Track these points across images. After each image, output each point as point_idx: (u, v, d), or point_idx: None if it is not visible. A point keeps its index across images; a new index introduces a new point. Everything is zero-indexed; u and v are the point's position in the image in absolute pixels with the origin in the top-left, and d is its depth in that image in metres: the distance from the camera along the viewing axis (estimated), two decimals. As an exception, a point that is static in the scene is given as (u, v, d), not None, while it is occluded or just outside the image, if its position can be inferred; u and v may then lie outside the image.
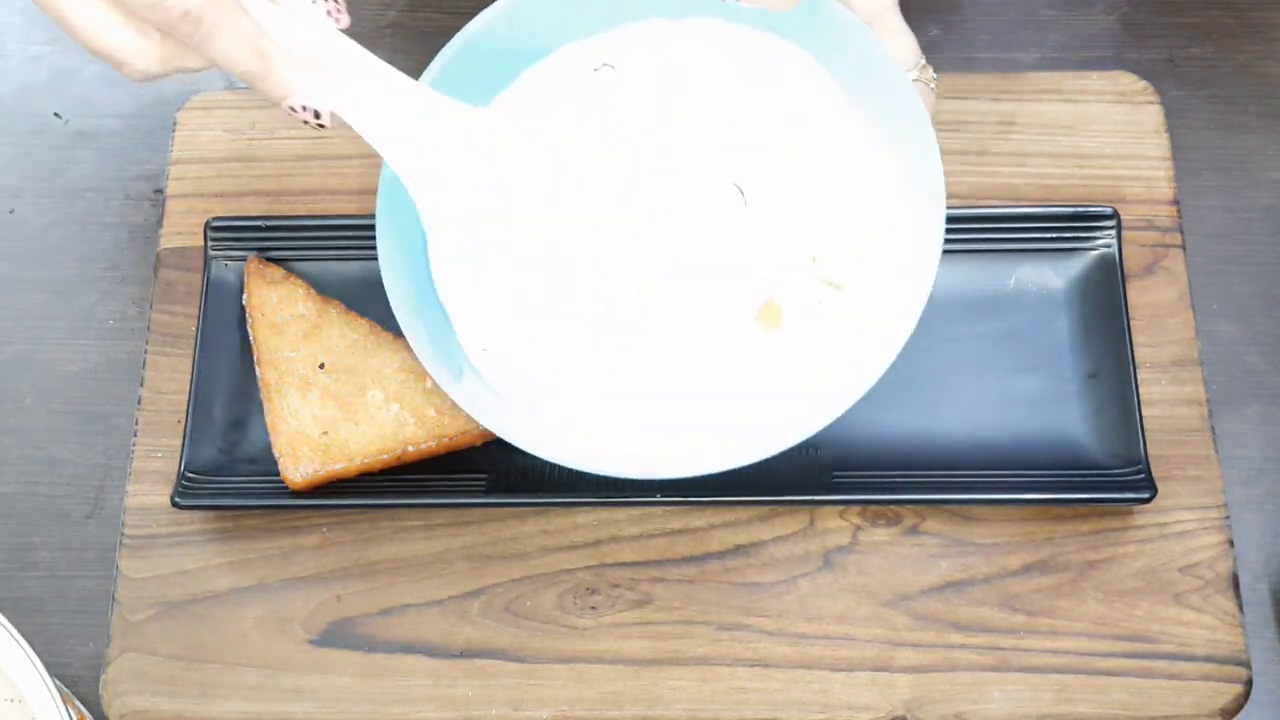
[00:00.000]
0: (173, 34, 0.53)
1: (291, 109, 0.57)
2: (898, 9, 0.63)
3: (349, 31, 0.58)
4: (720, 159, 0.64)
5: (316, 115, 0.57)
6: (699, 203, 0.63)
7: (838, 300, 0.63)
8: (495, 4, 0.65)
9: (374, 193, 0.76)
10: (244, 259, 0.73)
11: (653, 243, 0.63)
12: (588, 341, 0.63)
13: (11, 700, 0.56)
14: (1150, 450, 0.68)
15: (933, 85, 0.64)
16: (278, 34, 0.56)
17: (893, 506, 0.69)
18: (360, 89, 0.58)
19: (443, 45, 0.87)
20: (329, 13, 0.57)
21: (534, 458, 0.69)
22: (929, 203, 0.62)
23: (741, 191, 0.63)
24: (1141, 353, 0.71)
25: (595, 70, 0.64)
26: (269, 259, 0.73)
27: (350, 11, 0.87)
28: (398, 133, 0.59)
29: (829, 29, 0.63)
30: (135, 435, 0.72)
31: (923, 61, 0.64)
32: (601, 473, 0.62)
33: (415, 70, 0.84)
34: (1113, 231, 0.72)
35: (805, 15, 0.62)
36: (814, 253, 0.63)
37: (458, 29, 0.85)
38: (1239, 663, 0.66)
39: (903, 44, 0.63)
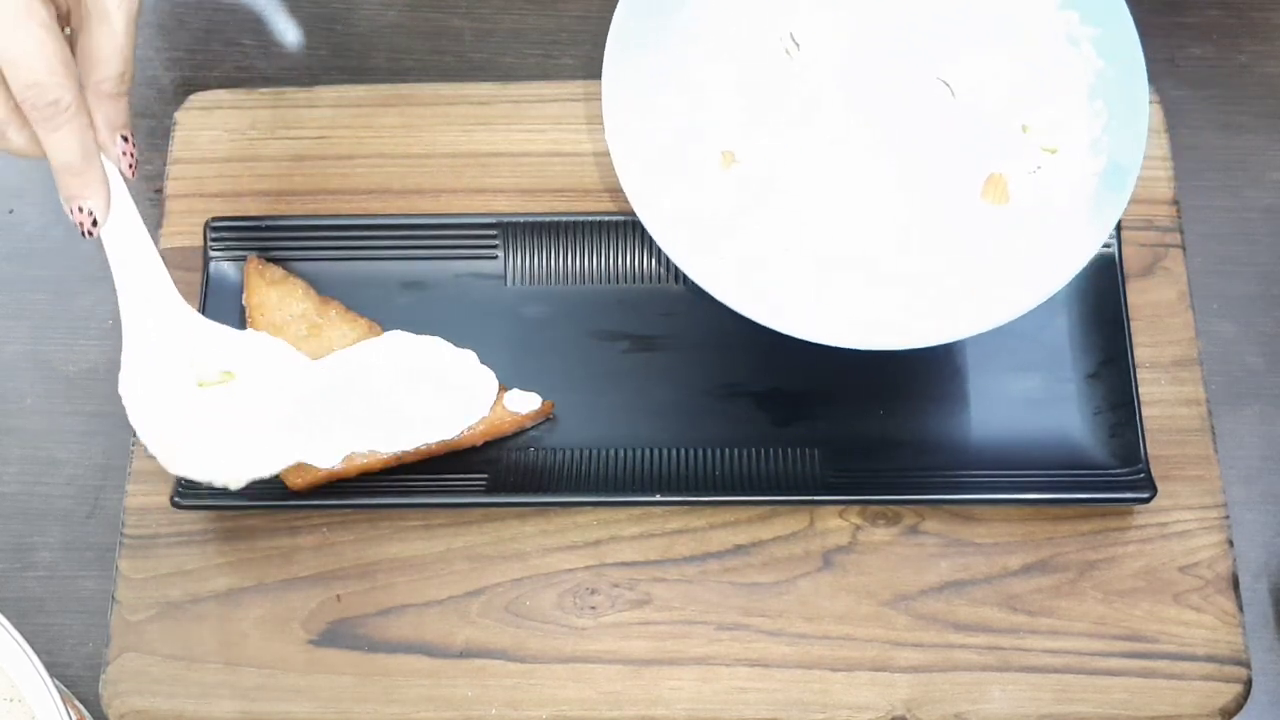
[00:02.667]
0: (30, 112, 0.59)
1: (79, 209, 0.63)
2: None
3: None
4: (926, 54, 0.68)
5: (95, 224, 0.63)
6: (912, 100, 0.67)
7: (1055, 164, 0.66)
8: None
9: (374, 193, 0.76)
10: (244, 259, 0.73)
11: (878, 141, 0.67)
12: (824, 241, 0.66)
13: (11, 700, 0.56)
14: (1150, 450, 0.68)
15: None
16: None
17: (892, 506, 0.69)
18: (117, 230, 0.64)
19: (443, 45, 0.87)
20: (124, 154, 0.63)
21: (532, 457, 0.70)
22: (1128, 62, 0.66)
23: (949, 85, 0.67)
24: (1141, 353, 0.71)
25: None
26: (269, 259, 0.73)
27: (351, 12, 0.87)
28: (135, 285, 0.65)
29: None
30: (135, 435, 0.72)
31: None
32: (834, 343, 0.64)
33: (416, 66, 0.84)
34: (1112, 231, 0.72)
35: None
36: (1023, 122, 0.67)
37: (457, 29, 0.86)
38: (1239, 662, 0.66)
39: None
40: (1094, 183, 0.66)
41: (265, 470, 0.66)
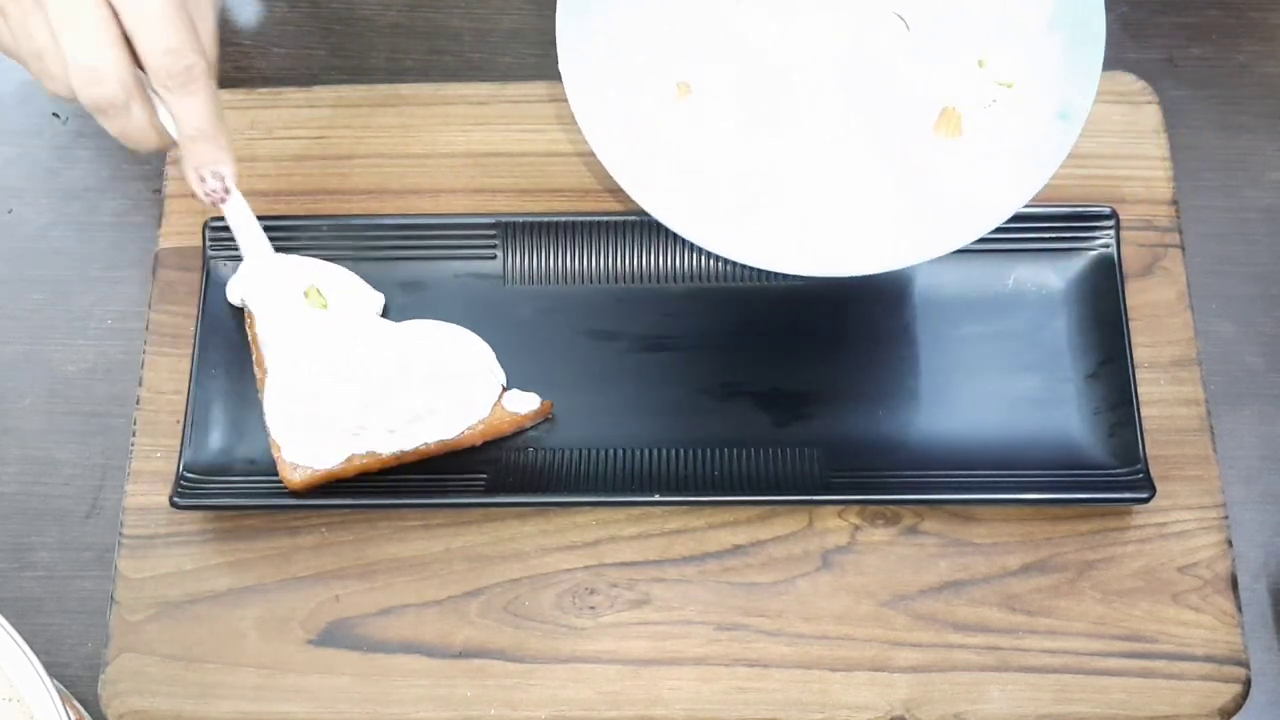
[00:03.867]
0: (164, 80, 0.60)
1: (213, 174, 0.64)
2: None
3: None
4: None
5: (227, 190, 0.65)
6: (869, 33, 0.67)
7: (1010, 97, 0.66)
8: None
9: (372, 193, 0.76)
10: (243, 259, 0.73)
11: (832, 75, 0.67)
12: (758, 162, 0.67)
13: (10, 700, 0.56)
14: (1149, 450, 0.68)
15: None
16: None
17: (891, 506, 0.69)
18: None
19: (441, 45, 0.87)
20: (206, 195, 0.65)
21: (532, 457, 0.70)
22: (1084, 7, 0.65)
23: (903, 19, 0.67)
24: (1140, 353, 0.71)
25: None
26: (268, 259, 0.73)
27: (350, 12, 0.87)
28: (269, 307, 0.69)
29: None
30: (134, 435, 0.72)
31: None
32: (787, 269, 0.65)
33: (415, 66, 0.84)
34: (1111, 231, 0.72)
35: None
36: (979, 56, 0.67)
37: (456, 29, 0.86)
38: (1238, 662, 0.66)
39: None
40: (1047, 118, 0.66)
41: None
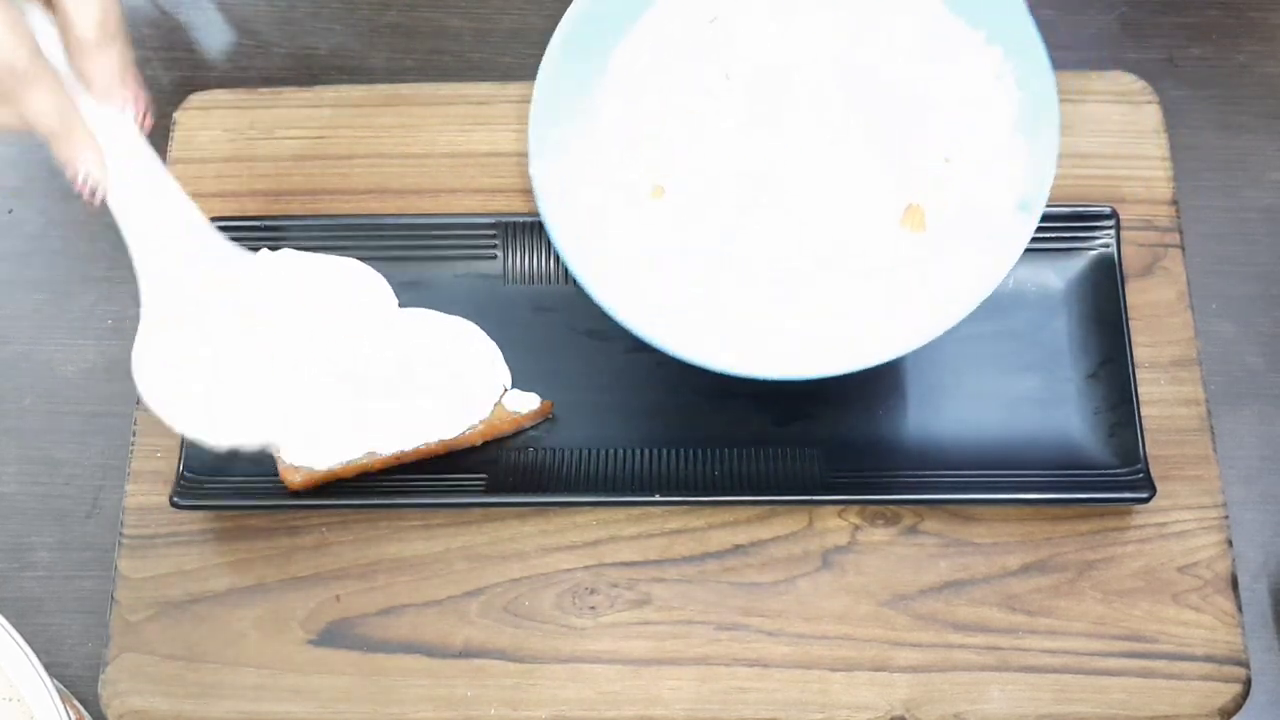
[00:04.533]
0: None
1: (74, 176, 0.60)
2: None
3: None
4: (838, 82, 0.67)
5: (93, 191, 0.61)
6: (823, 129, 0.67)
7: (972, 195, 0.66)
8: None
9: (373, 193, 0.76)
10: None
11: (800, 178, 0.67)
12: (729, 265, 0.66)
13: (10, 700, 0.56)
14: (1149, 450, 0.68)
15: None
16: (85, 112, 0.60)
17: (892, 506, 0.69)
18: (129, 188, 0.61)
19: (442, 44, 0.87)
20: (128, 104, 0.60)
21: (532, 457, 0.70)
22: (1041, 94, 0.65)
23: (875, 116, 0.67)
24: (1140, 353, 0.71)
25: (710, 22, 0.68)
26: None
27: (351, 12, 0.87)
28: (145, 230, 0.63)
29: None
30: (134, 435, 0.72)
31: None
32: (744, 374, 0.64)
33: (416, 66, 0.84)
34: (1112, 231, 0.72)
35: None
36: (946, 154, 0.66)
37: (456, 29, 0.86)
38: (1238, 662, 0.66)
39: None
40: (1008, 210, 0.66)
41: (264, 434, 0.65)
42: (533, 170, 0.66)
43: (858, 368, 0.64)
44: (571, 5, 0.66)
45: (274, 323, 0.65)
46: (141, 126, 0.61)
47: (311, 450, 0.67)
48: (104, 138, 0.60)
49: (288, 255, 0.68)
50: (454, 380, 0.69)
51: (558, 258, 0.73)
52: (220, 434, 0.64)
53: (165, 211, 0.63)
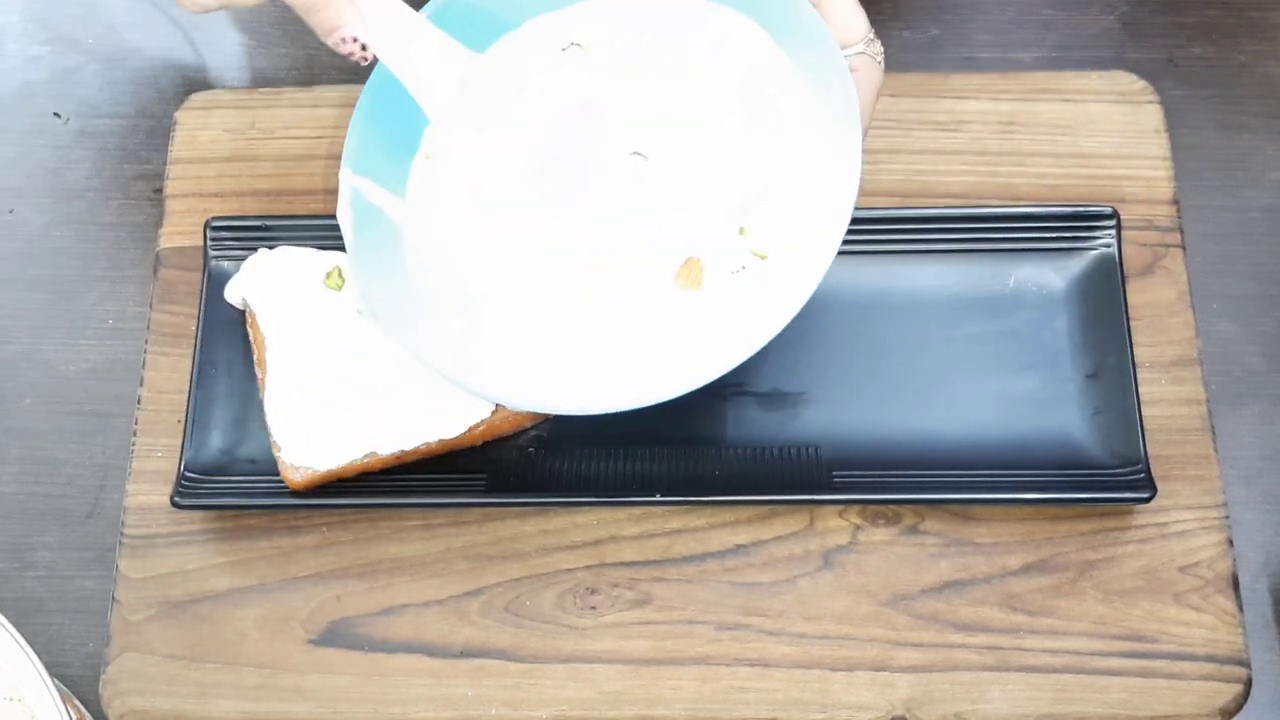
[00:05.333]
0: None
1: (341, 40, 0.61)
2: None
3: None
4: (637, 128, 0.67)
5: (363, 48, 0.62)
6: (609, 169, 0.67)
7: (760, 268, 0.64)
8: None
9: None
10: (244, 258, 0.73)
11: (576, 207, 0.67)
12: (521, 291, 0.66)
13: (11, 700, 0.56)
14: (1150, 450, 0.68)
15: (879, 60, 0.66)
16: None
17: (892, 506, 0.69)
18: (382, 24, 0.63)
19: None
20: None
21: (532, 457, 0.70)
22: (844, 179, 0.63)
23: (644, 157, 0.66)
24: (1141, 352, 0.71)
25: (564, 50, 0.68)
26: (269, 259, 0.73)
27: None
28: (412, 68, 0.65)
29: (777, 5, 0.65)
30: (135, 435, 0.72)
31: (870, 35, 0.66)
32: (520, 406, 0.65)
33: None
34: (1112, 231, 0.72)
35: None
36: (742, 224, 0.65)
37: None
38: (1239, 662, 0.66)
39: (851, 19, 0.65)
40: (787, 279, 0.64)
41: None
42: (342, 185, 0.67)
43: (606, 410, 0.63)
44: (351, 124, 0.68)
45: None
46: None
47: (312, 450, 0.67)
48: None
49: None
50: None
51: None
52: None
53: (427, 49, 0.65)
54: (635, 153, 0.66)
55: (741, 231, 0.65)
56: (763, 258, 0.64)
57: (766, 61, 0.66)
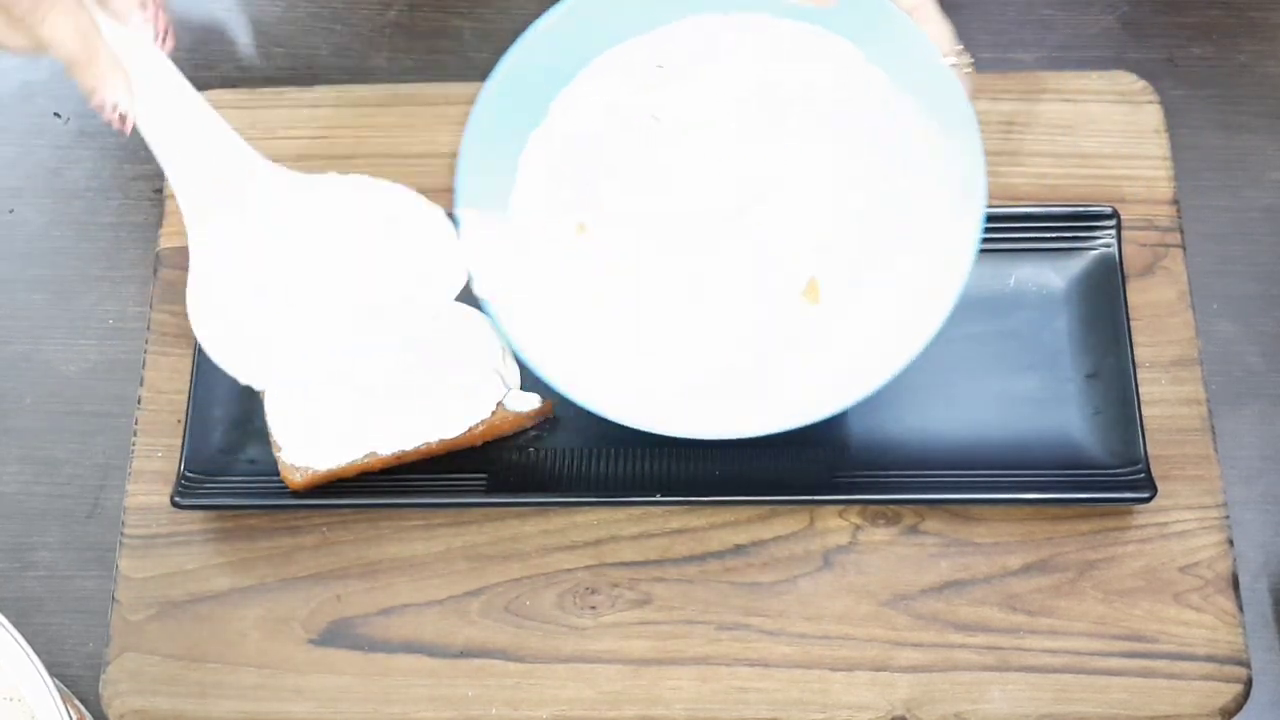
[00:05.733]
0: (10, 8, 0.54)
1: (100, 105, 0.58)
2: None
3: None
4: (763, 152, 0.67)
5: (123, 118, 0.58)
6: (745, 190, 0.67)
7: (878, 278, 0.65)
8: (560, 3, 0.67)
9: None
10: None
11: (703, 222, 0.67)
12: (638, 305, 0.67)
13: (11, 700, 0.56)
14: (1150, 450, 0.68)
15: (969, 70, 0.66)
16: (105, 31, 0.58)
17: (892, 506, 0.69)
18: (156, 103, 0.60)
19: (442, 45, 0.87)
20: (147, 22, 0.58)
21: (532, 457, 0.70)
22: (970, 184, 0.63)
23: (758, 177, 0.67)
24: (1141, 352, 0.71)
25: (649, 71, 0.68)
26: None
27: (352, 12, 0.87)
28: (181, 155, 0.61)
29: (872, 21, 0.65)
30: (135, 435, 0.72)
31: (960, 47, 0.66)
32: (656, 430, 0.64)
33: (416, 66, 0.84)
34: (1112, 231, 0.72)
35: (849, 9, 0.65)
36: (858, 236, 0.66)
37: (457, 29, 0.86)
38: (1239, 662, 0.66)
39: (940, 32, 0.65)
40: (920, 295, 0.64)
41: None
42: (459, 213, 0.66)
43: (730, 435, 0.64)
44: (515, 44, 0.67)
45: (324, 249, 0.63)
46: (163, 46, 0.59)
47: (312, 450, 0.67)
48: (126, 61, 0.58)
49: (353, 180, 0.66)
50: (462, 375, 0.68)
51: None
52: (276, 374, 0.63)
53: (200, 134, 0.60)
54: (748, 174, 0.67)
55: (859, 244, 0.66)
56: (880, 269, 0.65)
57: (863, 74, 0.66)
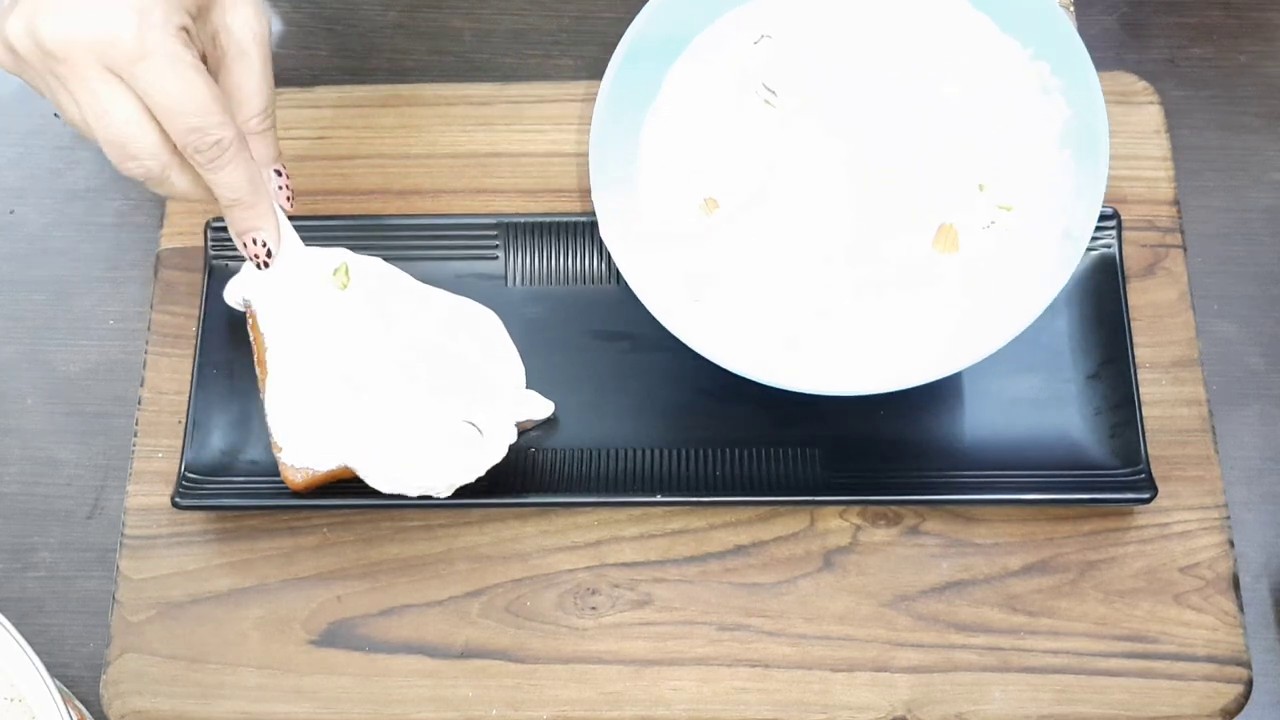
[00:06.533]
0: (193, 156, 0.60)
1: (254, 240, 0.65)
2: None
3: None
4: (880, 106, 0.68)
5: (269, 255, 0.65)
6: (877, 152, 0.68)
7: (1009, 220, 0.66)
8: None
9: (374, 193, 0.76)
10: (244, 259, 0.72)
11: (829, 187, 0.68)
12: (776, 276, 0.67)
13: (12, 700, 0.56)
14: (1150, 450, 0.68)
15: (1070, 7, 0.68)
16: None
17: (893, 507, 0.69)
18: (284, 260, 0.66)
19: (443, 45, 0.87)
20: (281, 188, 0.66)
21: (533, 457, 0.70)
22: (1091, 128, 0.65)
23: (898, 131, 0.68)
24: (1142, 353, 0.71)
25: (755, 43, 0.69)
26: (269, 259, 0.73)
27: (352, 12, 0.87)
28: (281, 304, 0.68)
29: None
30: (135, 435, 0.72)
31: None
32: (805, 390, 0.65)
33: (417, 66, 0.84)
34: (1113, 231, 0.72)
35: None
36: (981, 180, 0.67)
37: (457, 29, 0.86)
38: (1239, 663, 0.66)
39: None
40: (1053, 238, 0.66)
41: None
42: (596, 199, 0.66)
43: (888, 389, 0.65)
44: (633, 25, 0.67)
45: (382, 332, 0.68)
46: (285, 205, 0.66)
47: (313, 451, 0.67)
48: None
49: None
50: (478, 375, 0.68)
51: (559, 258, 0.74)
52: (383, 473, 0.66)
53: (295, 274, 0.67)
54: (889, 121, 0.68)
55: (981, 188, 0.66)
56: (1008, 209, 0.66)
57: (970, 21, 0.68)
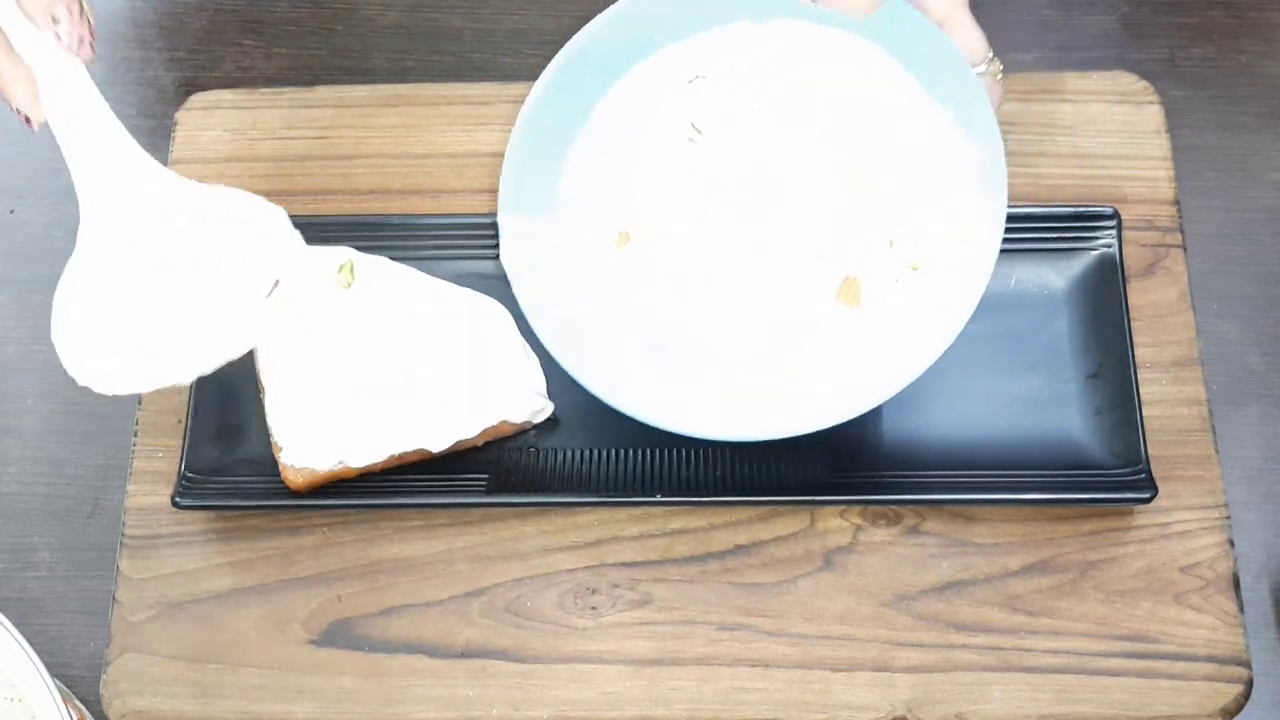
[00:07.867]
0: None
1: (12, 109, 0.59)
2: (967, 6, 0.66)
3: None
4: (802, 155, 0.68)
5: (28, 120, 0.59)
6: (782, 196, 0.68)
7: (914, 281, 0.67)
8: (610, 9, 0.68)
9: (374, 193, 0.76)
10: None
11: (742, 230, 0.69)
12: (679, 315, 0.69)
13: (12, 700, 0.56)
14: (1151, 450, 0.68)
15: (999, 77, 0.67)
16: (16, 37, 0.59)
17: (893, 506, 0.69)
18: (67, 120, 0.60)
19: (443, 45, 0.87)
20: (61, 35, 0.58)
21: (533, 457, 0.70)
22: (993, 190, 0.65)
23: (787, 179, 0.69)
24: (1142, 353, 0.71)
25: (690, 82, 0.69)
26: (269, 259, 0.73)
27: (352, 12, 0.87)
28: (94, 173, 0.62)
29: (904, 29, 0.65)
30: (135, 435, 0.72)
31: (990, 54, 0.66)
32: (684, 432, 0.67)
33: (417, 66, 0.84)
34: (1113, 231, 0.72)
35: (881, 17, 0.65)
36: (891, 237, 0.67)
37: (458, 30, 0.86)
38: (1240, 663, 0.66)
39: (973, 40, 0.66)
40: (951, 291, 0.66)
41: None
42: (501, 219, 0.67)
43: (791, 434, 0.66)
44: (561, 51, 0.68)
45: (209, 260, 0.64)
46: (80, 54, 0.59)
47: (313, 451, 0.67)
48: (39, 67, 0.59)
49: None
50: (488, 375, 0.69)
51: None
52: (119, 380, 0.63)
53: (104, 140, 0.61)
54: (804, 167, 0.68)
55: (891, 245, 0.67)
56: (914, 269, 0.66)
57: (894, 80, 0.67)
